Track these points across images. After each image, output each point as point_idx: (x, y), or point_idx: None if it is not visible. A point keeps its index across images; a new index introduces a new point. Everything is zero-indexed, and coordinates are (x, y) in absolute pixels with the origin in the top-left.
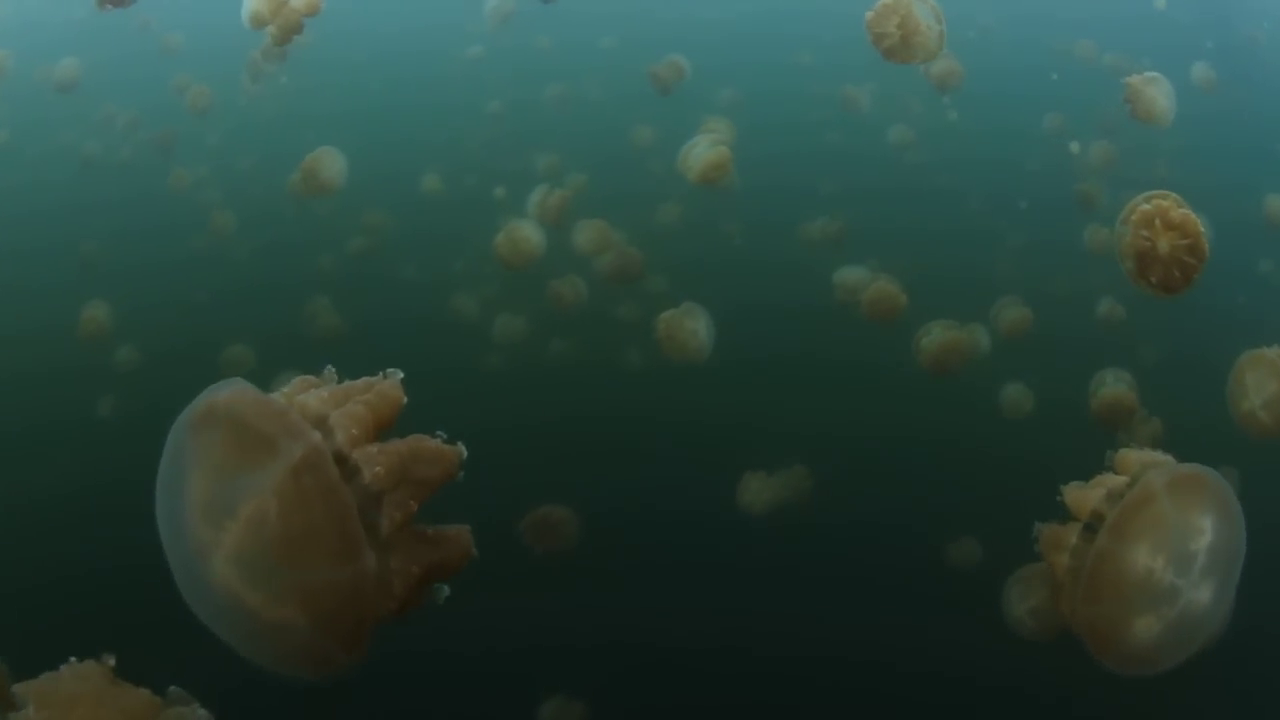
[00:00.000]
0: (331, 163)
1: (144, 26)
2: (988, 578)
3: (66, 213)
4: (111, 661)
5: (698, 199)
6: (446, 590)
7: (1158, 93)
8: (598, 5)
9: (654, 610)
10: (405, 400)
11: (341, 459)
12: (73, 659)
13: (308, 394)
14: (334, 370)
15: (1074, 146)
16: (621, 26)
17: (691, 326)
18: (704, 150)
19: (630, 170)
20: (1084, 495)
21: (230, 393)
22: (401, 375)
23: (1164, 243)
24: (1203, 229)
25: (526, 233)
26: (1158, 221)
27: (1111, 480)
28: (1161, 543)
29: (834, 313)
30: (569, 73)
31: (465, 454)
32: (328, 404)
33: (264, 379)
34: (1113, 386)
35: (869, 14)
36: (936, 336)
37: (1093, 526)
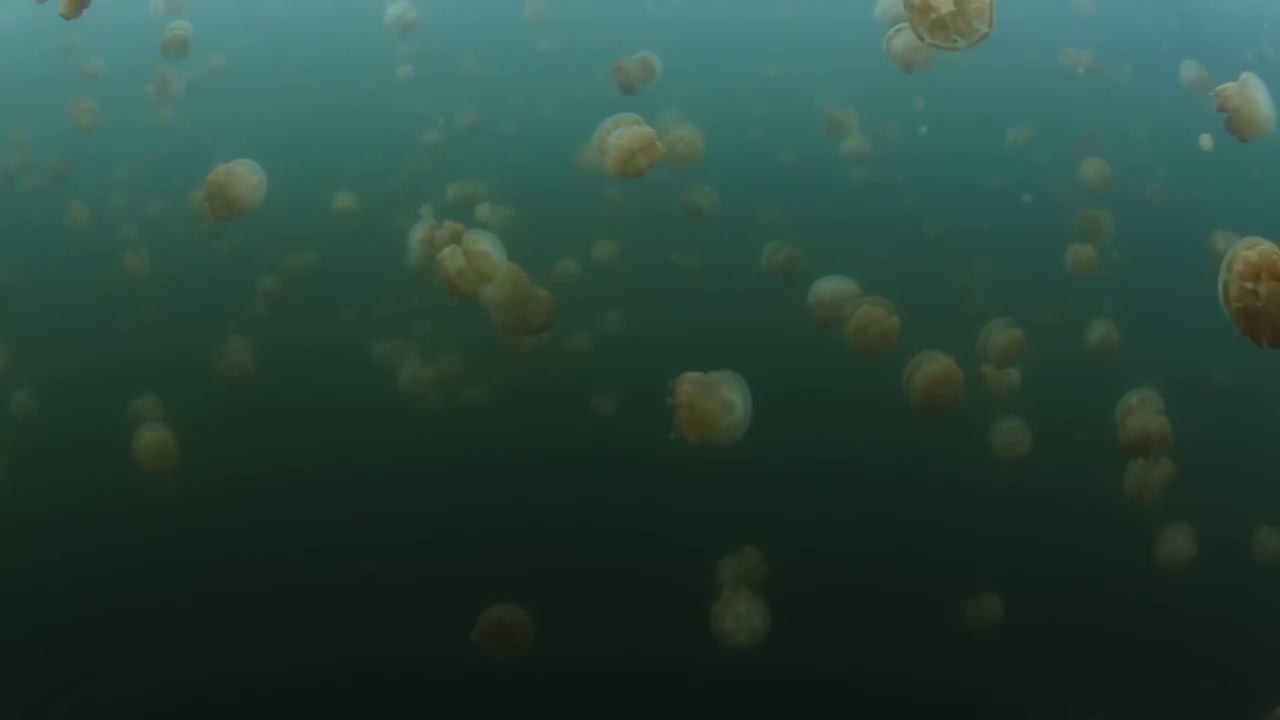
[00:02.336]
0: (245, 177)
1: (68, 49)
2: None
3: None
4: None
5: (647, 221)
6: None
7: (1258, 97)
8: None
9: None
10: None
11: None
12: None
13: None
14: None
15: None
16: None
17: (727, 398)
18: (624, 133)
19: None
20: None
21: None
22: None
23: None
24: None
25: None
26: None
27: None
28: None
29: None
30: (508, 82)
31: None
32: None
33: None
34: (1142, 413)
35: None
36: (926, 369)
37: None
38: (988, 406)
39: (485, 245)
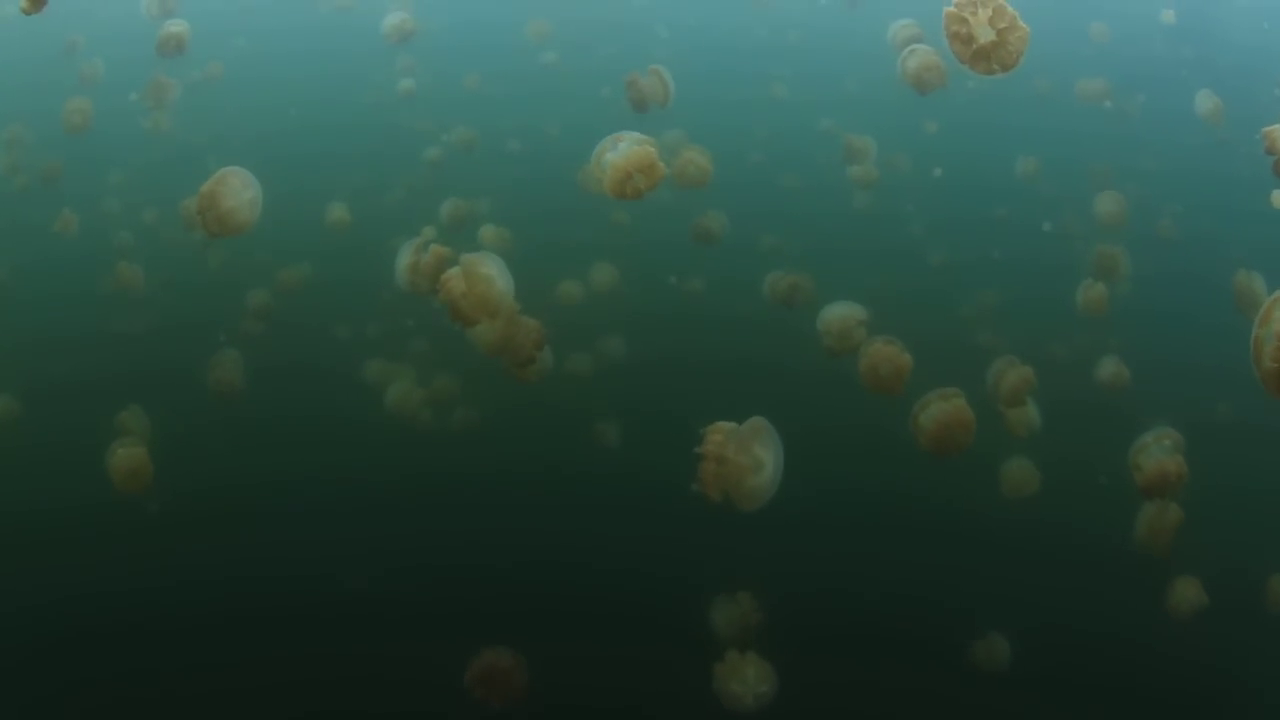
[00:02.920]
0: (239, 190)
1: (70, 48)
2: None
3: None
4: None
5: (653, 245)
6: None
7: None
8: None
9: None
10: None
11: None
12: None
13: None
14: None
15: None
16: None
17: (759, 456)
18: (622, 152)
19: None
20: None
21: None
22: None
23: None
24: None
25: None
26: None
27: None
28: None
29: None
30: (512, 99)
31: None
32: None
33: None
34: (1158, 453)
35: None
36: (935, 410)
37: None
38: (998, 445)
39: (490, 269)
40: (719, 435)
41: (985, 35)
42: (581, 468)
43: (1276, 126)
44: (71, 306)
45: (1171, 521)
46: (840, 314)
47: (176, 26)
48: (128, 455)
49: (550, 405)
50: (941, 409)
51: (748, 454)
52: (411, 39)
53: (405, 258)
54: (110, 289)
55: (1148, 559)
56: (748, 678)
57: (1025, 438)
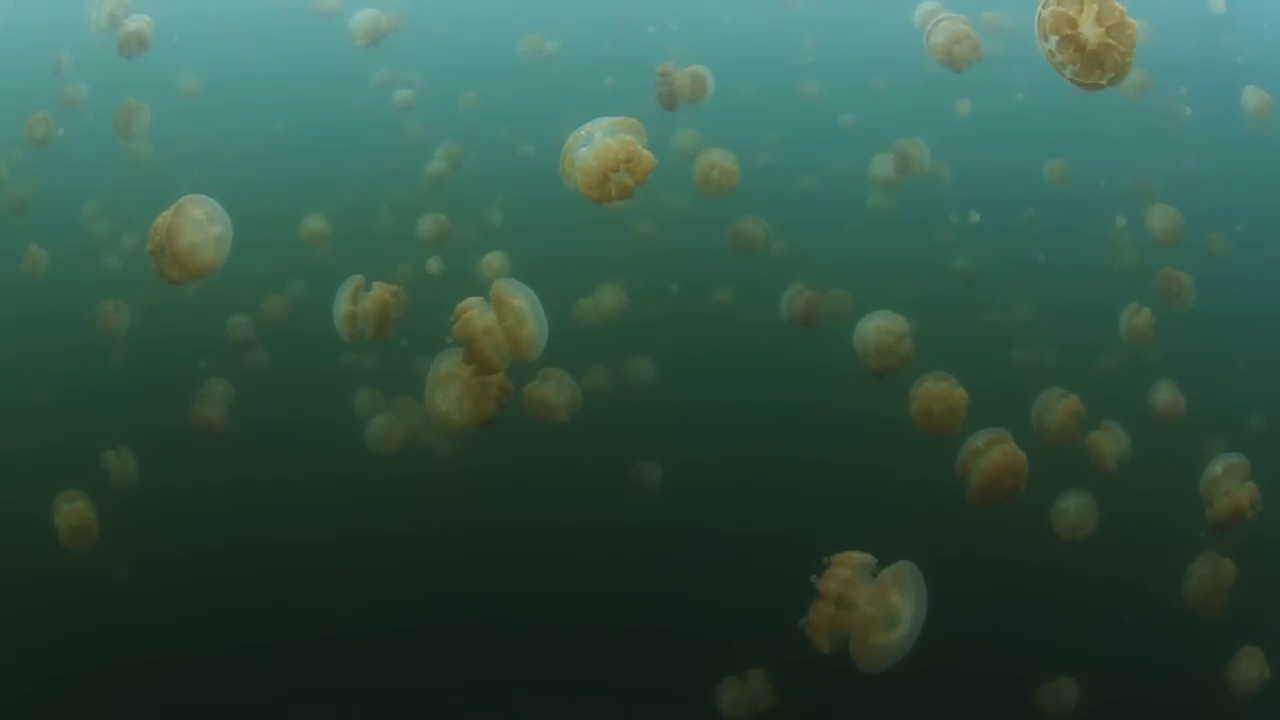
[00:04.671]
0: (203, 222)
1: (56, 67)
2: None
3: None
4: None
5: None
6: None
7: None
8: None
9: None
10: None
11: None
12: None
13: None
14: None
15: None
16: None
17: (894, 609)
18: (596, 145)
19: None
20: None
21: None
22: None
23: None
24: None
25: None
26: None
27: None
28: None
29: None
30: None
31: None
32: None
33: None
34: (1230, 485)
35: (1045, 10)
36: (989, 459)
37: None
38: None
39: (523, 301)
40: (845, 571)
41: (1094, 36)
42: (572, 503)
43: None
44: (39, 343)
45: (1226, 579)
46: (877, 327)
47: (136, 22)
48: (72, 511)
49: (580, 445)
50: (992, 461)
51: (883, 604)
52: (385, 41)
53: (342, 304)
54: (78, 325)
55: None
56: None
57: (1115, 469)
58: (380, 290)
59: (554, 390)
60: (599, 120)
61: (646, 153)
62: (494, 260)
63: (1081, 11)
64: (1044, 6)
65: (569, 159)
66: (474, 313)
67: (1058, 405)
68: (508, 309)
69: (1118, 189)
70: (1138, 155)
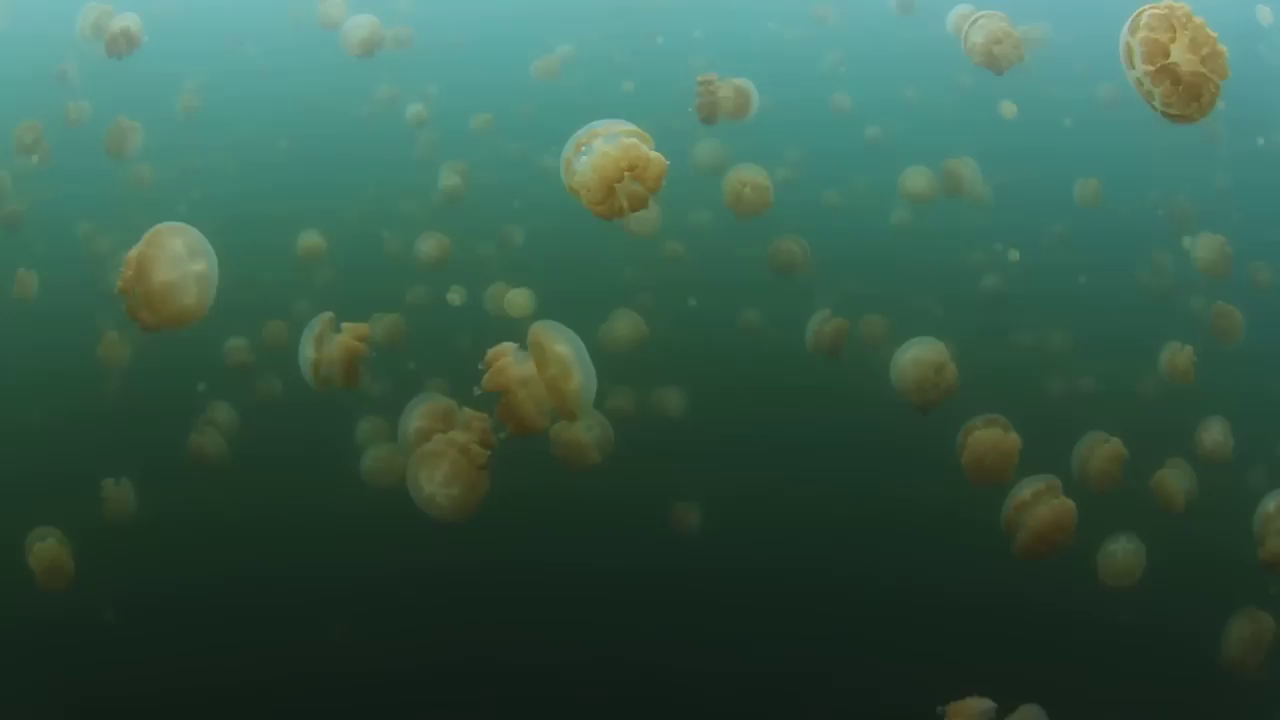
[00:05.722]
0: (182, 256)
1: (62, 75)
2: None
3: None
4: None
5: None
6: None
7: None
8: None
9: None
10: None
11: None
12: None
13: None
14: None
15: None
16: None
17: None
18: (596, 155)
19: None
20: None
21: None
22: None
23: None
24: None
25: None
26: None
27: None
28: None
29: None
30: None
31: None
32: None
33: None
34: None
35: (1139, 34)
36: (1039, 514)
37: None
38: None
39: (567, 348)
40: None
41: (1188, 65)
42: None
43: None
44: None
45: (1265, 637)
46: (914, 359)
47: (123, 20)
48: (45, 550)
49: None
50: (1040, 518)
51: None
52: (379, 52)
53: (307, 349)
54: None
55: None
56: None
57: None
58: (347, 336)
59: (583, 429)
60: (596, 124)
61: (654, 154)
62: (518, 298)
63: (1174, 39)
64: (1132, 32)
65: (569, 173)
66: (508, 361)
67: (1101, 450)
68: (549, 357)
69: (1156, 209)
70: (1174, 171)
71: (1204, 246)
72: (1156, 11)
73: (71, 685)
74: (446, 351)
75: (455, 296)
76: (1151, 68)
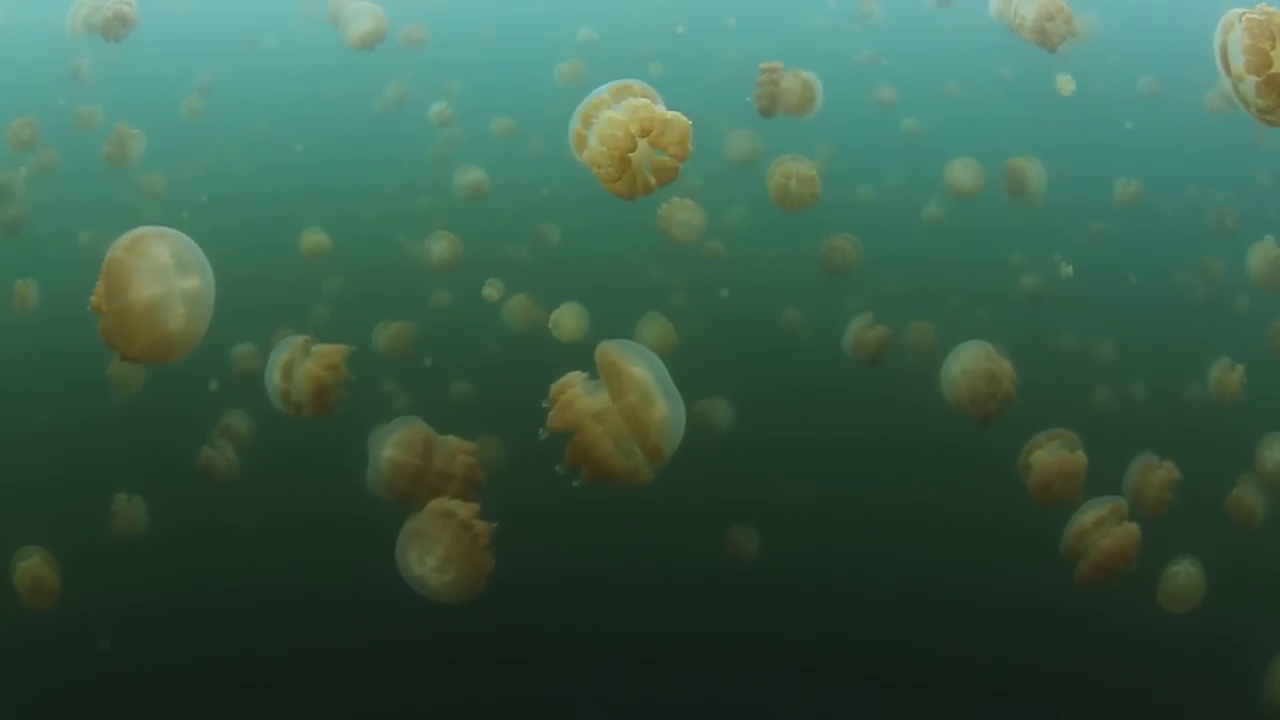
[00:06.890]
0: (168, 268)
1: (75, 74)
2: None
3: None
4: None
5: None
6: None
7: None
8: None
9: None
10: None
11: None
12: None
13: None
14: None
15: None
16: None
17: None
18: (602, 120)
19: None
20: None
21: None
22: None
23: None
24: None
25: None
26: None
27: None
28: None
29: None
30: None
31: None
32: None
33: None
34: None
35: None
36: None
37: None
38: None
39: (644, 372)
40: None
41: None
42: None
43: None
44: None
45: None
46: (965, 370)
47: (116, 4)
48: (29, 569)
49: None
50: (1105, 550)
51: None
52: (379, 46)
53: (274, 373)
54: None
55: None
56: None
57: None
58: (315, 365)
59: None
60: (595, 92)
61: (671, 114)
62: (567, 318)
63: (1273, 46)
64: (1226, 33)
65: (581, 132)
66: (577, 392)
67: (1153, 477)
68: (626, 382)
69: (1203, 212)
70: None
71: (1258, 256)
72: (1255, 17)
73: (72, 694)
74: (470, 355)
75: (492, 291)
76: (1258, 78)
